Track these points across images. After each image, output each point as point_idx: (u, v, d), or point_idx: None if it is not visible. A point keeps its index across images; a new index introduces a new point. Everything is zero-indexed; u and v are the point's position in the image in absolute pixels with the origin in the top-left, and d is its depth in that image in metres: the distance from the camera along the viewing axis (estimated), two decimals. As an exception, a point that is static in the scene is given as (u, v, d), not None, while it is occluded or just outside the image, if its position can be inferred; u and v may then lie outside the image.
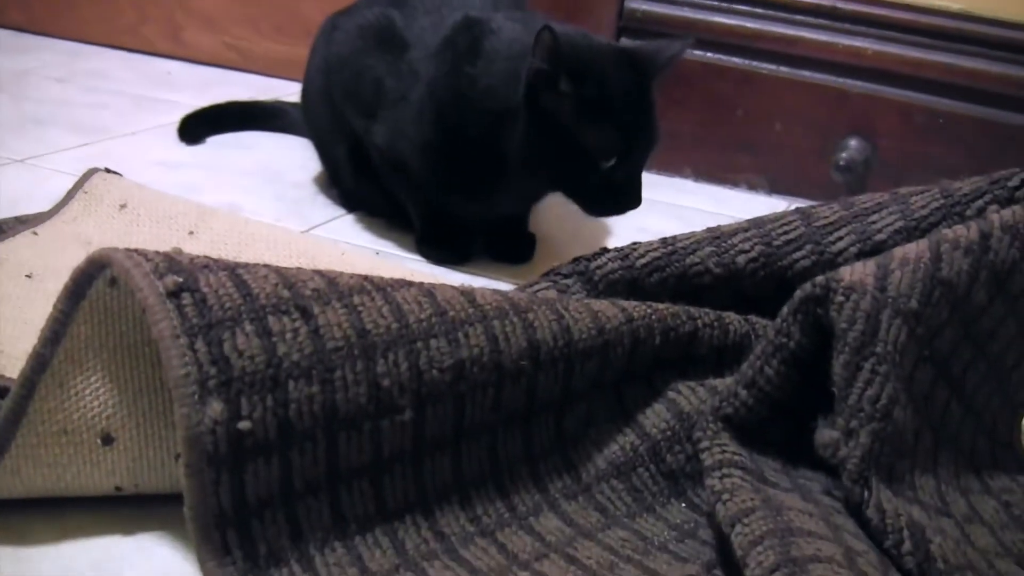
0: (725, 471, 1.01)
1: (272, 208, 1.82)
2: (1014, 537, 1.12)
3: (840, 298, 1.03)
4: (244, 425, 0.88)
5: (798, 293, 1.07)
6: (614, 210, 1.57)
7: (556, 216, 2.00)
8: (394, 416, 0.97)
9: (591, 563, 1.01)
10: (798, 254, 1.31)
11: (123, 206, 1.61)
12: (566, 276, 1.33)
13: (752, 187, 2.43)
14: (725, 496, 0.98)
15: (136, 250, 0.94)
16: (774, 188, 2.41)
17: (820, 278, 1.06)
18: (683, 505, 1.14)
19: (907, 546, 0.99)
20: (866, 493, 1.01)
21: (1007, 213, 1.18)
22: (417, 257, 1.69)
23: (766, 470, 1.06)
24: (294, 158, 2.05)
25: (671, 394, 1.21)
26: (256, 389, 0.90)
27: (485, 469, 1.07)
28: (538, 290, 1.31)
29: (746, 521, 0.94)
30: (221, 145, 2.13)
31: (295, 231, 1.66)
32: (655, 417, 1.18)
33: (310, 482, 0.94)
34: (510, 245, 1.76)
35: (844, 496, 1.04)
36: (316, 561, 0.93)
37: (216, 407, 0.87)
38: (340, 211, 1.87)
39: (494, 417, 1.06)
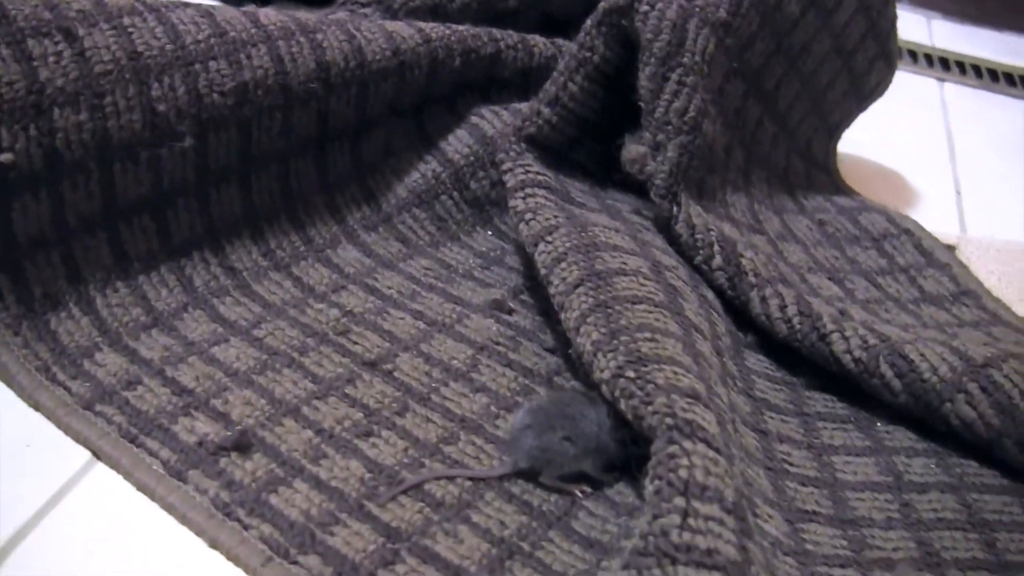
0: (528, 191, 0.97)
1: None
2: (827, 253, 1.11)
3: (645, 7, 0.98)
4: (6, 157, 0.80)
5: (602, 4, 1.01)
6: None
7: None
8: (173, 144, 0.90)
9: (391, 292, 0.97)
10: (609, -28, 1.24)
11: None
12: (364, 5, 1.25)
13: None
14: (528, 215, 0.94)
15: None
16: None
17: (625, -13, 1.00)
18: (489, 233, 1.11)
19: (718, 261, 0.96)
20: (675, 208, 0.98)
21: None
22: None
23: (572, 191, 1.02)
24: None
25: (474, 119, 1.15)
26: (17, 118, 0.82)
27: (277, 201, 1.00)
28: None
29: (549, 239, 0.90)
30: None
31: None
32: (457, 143, 1.13)
33: (86, 218, 0.87)
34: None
35: (653, 214, 1.01)
36: (97, 302, 0.87)
37: (-28, 136, 0.78)
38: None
39: (284, 144, 1.00)
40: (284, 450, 0.76)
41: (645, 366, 0.74)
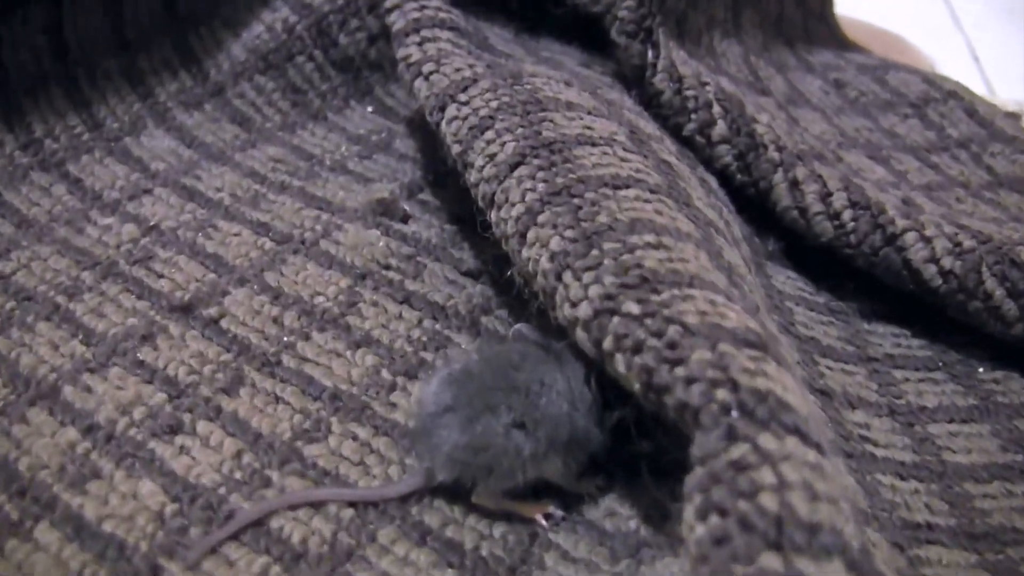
0: (426, 33, 0.67)
1: None
2: (856, 123, 0.82)
3: None
4: None
5: None
6: None
7: None
8: None
9: (221, 196, 0.69)
10: None
11: None
12: None
13: None
14: (428, 67, 0.63)
15: None
16: None
17: None
18: (369, 108, 0.81)
19: (720, 129, 0.66)
20: (651, 52, 0.67)
21: None
22: None
23: (490, 36, 0.71)
24: None
25: (340, -55, 0.85)
26: None
27: (46, 66, 0.71)
28: None
29: (463, 98, 0.59)
30: None
31: None
32: (318, -20, 0.83)
33: None
34: None
35: (614, 66, 0.72)
36: None
37: None
38: None
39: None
40: (23, 468, 0.48)
41: (657, 292, 0.43)
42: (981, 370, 0.63)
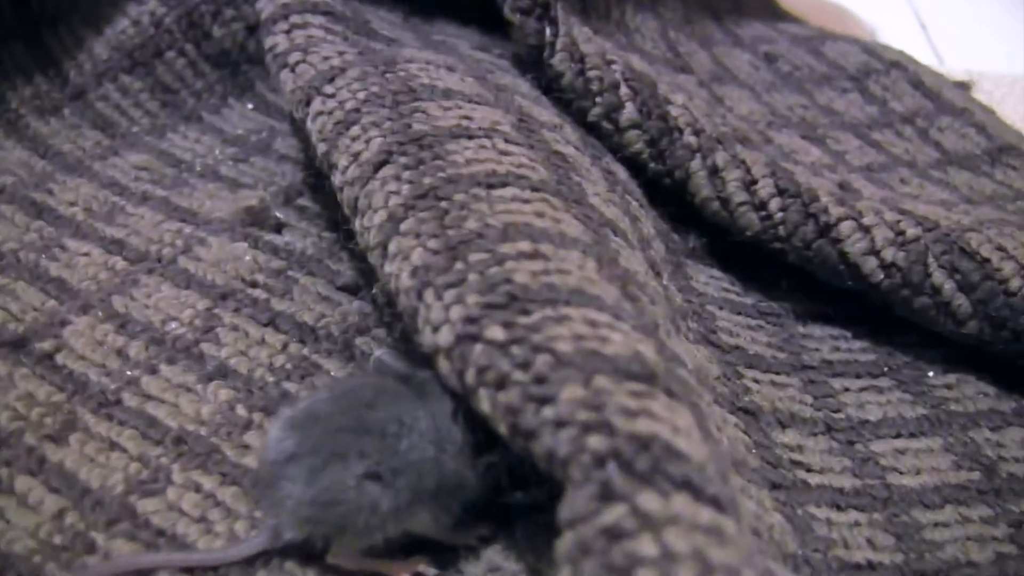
0: (296, 19, 0.59)
1: None
2: (789, 101, 0.75)
3: None
4: None
5: None
6: None
7: None
8: None
9: (74, 212, 0.61)
10: None
11: None
12: None
13: None
14: (294, 57, 0.56)
15: None
16: None
17: None
18: (249, 106, 0.73)
19: (629, 112, 0.59)
20: (549, 30, 0.61)
21: None
22: None
23: (373, 20, 0.65)
24: None
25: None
26: None
27: None
28: None
29: (329, 90, 0.52)
30: None
31: None
32: (187, -33, 0.75)
33: None
34: None
35: (512, 50, 0.66)
36: None
37: None
38: None
39: None
40: None
41: (527, 313, 0.36)
42: (931, 374, 0.55)
